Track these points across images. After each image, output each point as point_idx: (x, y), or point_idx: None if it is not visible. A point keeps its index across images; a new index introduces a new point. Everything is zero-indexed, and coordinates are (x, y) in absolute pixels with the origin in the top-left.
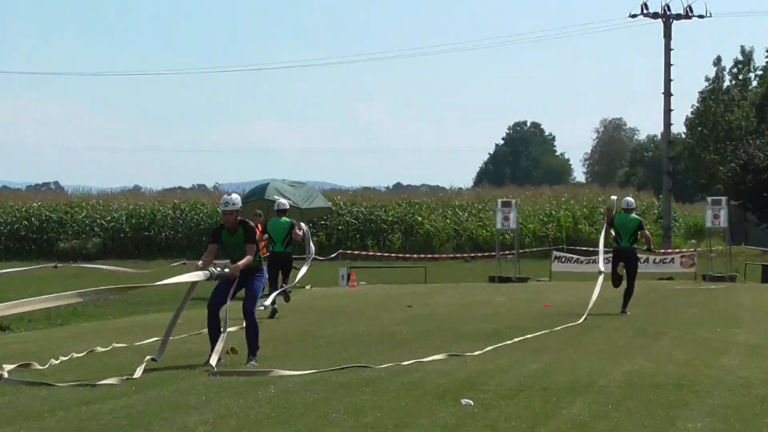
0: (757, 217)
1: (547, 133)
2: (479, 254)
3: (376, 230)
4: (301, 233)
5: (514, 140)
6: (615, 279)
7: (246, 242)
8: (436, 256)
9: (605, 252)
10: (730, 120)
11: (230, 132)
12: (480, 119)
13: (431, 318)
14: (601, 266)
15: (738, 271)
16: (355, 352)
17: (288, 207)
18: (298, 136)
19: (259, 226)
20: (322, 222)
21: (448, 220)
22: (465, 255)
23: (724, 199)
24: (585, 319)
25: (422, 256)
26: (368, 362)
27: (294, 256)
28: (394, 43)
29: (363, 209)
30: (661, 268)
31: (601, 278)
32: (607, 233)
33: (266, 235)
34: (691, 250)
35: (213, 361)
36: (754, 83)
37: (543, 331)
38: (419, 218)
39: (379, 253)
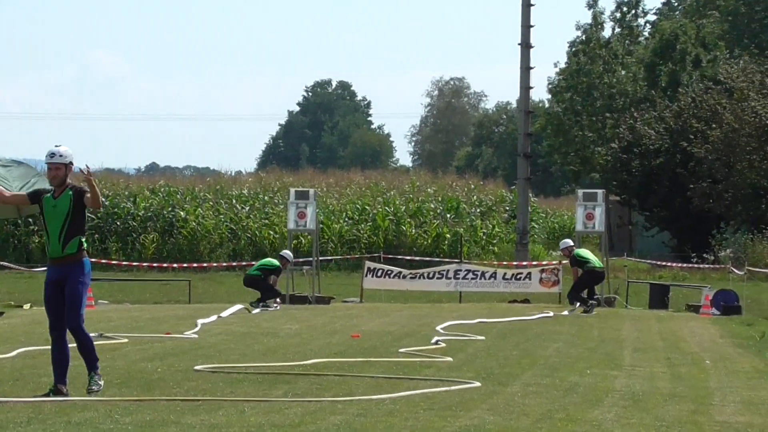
0: (645, 218)
1: (359, 97)
2: None
3: (122, 229)
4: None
5: (314, 106)
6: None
7: (81, 205)
8: (205, 265)
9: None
10: (611, 83)
11: None
12: (266, 76)
13: (197, 350)
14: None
15: (618, 292)
16: (84, 395)
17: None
18: (11, 96)
19: None
20: None
21: (221, 216)
22: (244, 264)
23: (600, 192)
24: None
25: (186, 265)
26: (108, 413)
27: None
28: None
29: (104, 199)
30: (514, 286)
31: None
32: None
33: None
34: (555, 262)
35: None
36: (646, 33)
37: (348, 372)
38: (182, 213)
39: (125, 262)
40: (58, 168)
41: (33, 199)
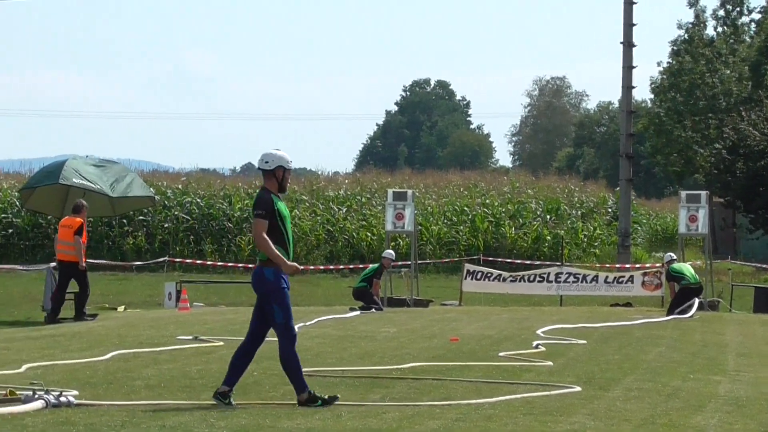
0: (749, 220)
1: (458, 97)
2: (362, 266)
3: (217, 230)
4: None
5: (413, 106)
6: None
7: None
8: (301, 267)
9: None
10: (714, 83)
11: (1, 86)
12: (364, 75)
13: None
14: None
15: (722, 295)
16: (185, 397)
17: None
18: (104, 95)
19: (83, 222)
20: (141, 217)
21: (318, 218)
22: (342, 267)
23: (704, 194)
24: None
25: None
26: (203, 417)
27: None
28: None
29: (199, 200)
30: (616, 290)
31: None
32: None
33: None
34: (658, 265)
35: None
36: (751, 32)
37: (447, 376)
38: None
39: (220, 263)
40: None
41: (272, 211)
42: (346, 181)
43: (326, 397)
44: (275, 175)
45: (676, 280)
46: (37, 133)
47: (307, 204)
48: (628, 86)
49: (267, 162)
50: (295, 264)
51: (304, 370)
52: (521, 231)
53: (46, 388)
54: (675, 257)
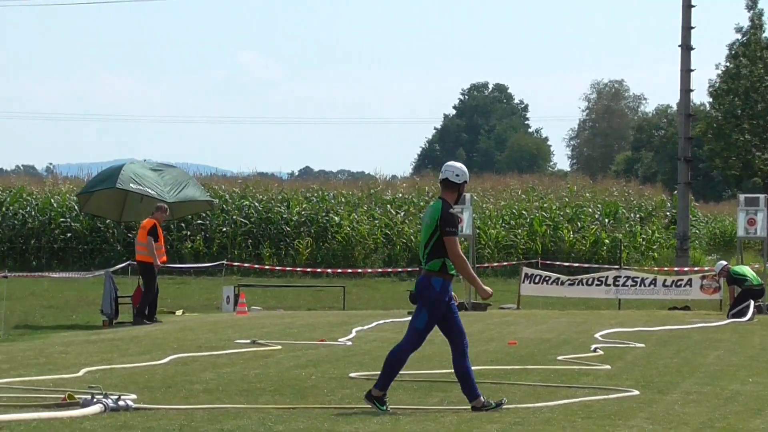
0: None
1: (516, 100)
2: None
3: (275, 234)
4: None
5: (471, 109)
6: None
7: None
8: (359, 270)
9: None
10: None
11: (61, 91)
12: (422, 79)
13: (350, 358)
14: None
15: None
16: (243, 401)
17: None
18: (162, 99)
19: (158, 226)
20: (199, 221)
21: (376, 221)
22: (400, 270)
23: (763, 197)
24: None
25: (340, 270)
26: (261, 420)
27: None
28: None
29: (257, 204)
30: (674, 293)
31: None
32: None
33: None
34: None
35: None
36: None
37: (505, 380)
38: (336, 218)
39: (278, 267)
40: None
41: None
42: (404, 184)
43: (388, 408)
44: (459, 189)
45: (738, 282)
46: (95, 138)
47: (365, 208)
48: (686, 89)
49: (458, 175)
50: (490, 289)
51: (364, 373)
52: (579, 234)
53: (104, 392)
54: (726, 263)
